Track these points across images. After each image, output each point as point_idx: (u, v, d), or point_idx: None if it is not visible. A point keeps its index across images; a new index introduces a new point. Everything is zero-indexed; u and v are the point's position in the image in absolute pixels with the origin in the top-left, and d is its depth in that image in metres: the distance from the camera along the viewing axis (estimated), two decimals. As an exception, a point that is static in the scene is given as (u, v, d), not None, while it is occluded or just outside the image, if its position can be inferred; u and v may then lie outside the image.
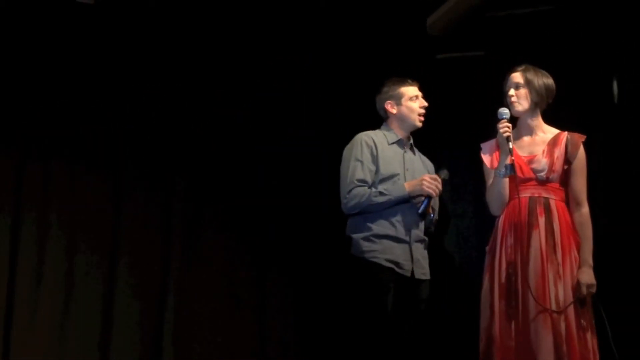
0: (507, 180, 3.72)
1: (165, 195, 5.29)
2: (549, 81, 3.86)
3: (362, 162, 4.03)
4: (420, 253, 4.02)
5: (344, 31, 5.16)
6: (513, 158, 3.64)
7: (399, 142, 4.15)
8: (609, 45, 4.95)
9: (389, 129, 4.19)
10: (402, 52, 5.25)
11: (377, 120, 4.84)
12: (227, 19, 5.03)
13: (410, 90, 4.17)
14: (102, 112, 5.18)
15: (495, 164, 3.78)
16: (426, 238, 4.10)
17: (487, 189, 3.82)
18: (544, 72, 3.87)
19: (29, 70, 5.03)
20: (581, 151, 3.78)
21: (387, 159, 4.06)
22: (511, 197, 3.75)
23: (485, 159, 3.87)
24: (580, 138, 3.80)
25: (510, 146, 3.65)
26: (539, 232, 3.64)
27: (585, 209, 3.75)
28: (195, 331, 5.20)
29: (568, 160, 3.75)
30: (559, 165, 3.73)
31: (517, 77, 3.83)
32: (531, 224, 3.65)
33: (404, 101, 4.14)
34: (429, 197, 3.96)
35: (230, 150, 5.28)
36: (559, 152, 3.75)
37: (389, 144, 4.12)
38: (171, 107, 5.25)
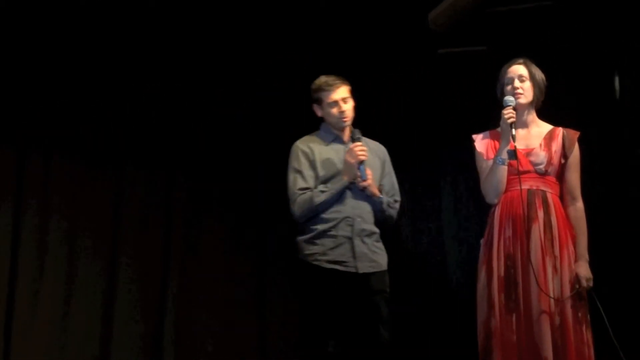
0: (506, 168, 3.72)
1: (165, 192, 5.34)
2: (544, 77, 3.88)
3: (300, 171, 4.03)
4: (367, 246, 3.98)
5: (345, 27, 5.17)
6: (515, 144, 3.65)
7: (337, 139, 4.10)
8: (610, 41, 4.96)
9: (326, 128, 4.15)
10: (404, 47, 5.25)
11: (378, 118, 4.87)
12: (227, 18, 5.04)
13: (330, 95, 4.07)
14: (103, 110, 5.23)
15: (491, 155, 3.78)
16: (376, 230, 4.05)
17: (485, 179, 3.78)
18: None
19: (30, 68, 5.08)
20: (577, 146, 3.80)
21: (326, 161, 4.03)
22: (506, 189, 3.77)
23: (480, 149, 3.86)
24: (575, 134, 3.82)
25: (514, 132, 3.65)
26: (539, 225, 3.64)
27: (580, 203, 3.77)
28: (196, 328, 5.26)
29: (565, 155, 3.77)
30: (556, 159, 3.75)
31: (520, 69, 3.81)
32: (530, 217, 3.63)
33: (324, 106, 4.08)
34: (361, 163, 3.95)
35: (230, 149, 5.31)
36: (557, 146, 3.77)
37: (328, 144, 4.09)
38: (171, 106, 5.30)
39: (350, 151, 3.95)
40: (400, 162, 4.91)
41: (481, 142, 3.87)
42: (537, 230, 3.64)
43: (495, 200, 3.75)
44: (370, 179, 3.96)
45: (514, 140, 3.65)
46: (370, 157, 4.07)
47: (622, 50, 4.95)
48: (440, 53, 5.27)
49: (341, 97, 4.06)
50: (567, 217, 3.73)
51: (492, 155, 3.78)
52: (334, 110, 4.06)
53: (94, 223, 5.19)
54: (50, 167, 5.15)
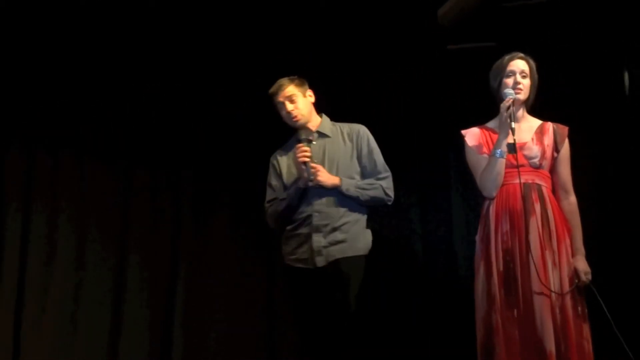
0: (504, 161, 3.69)
1: (172, 192, 5.41)
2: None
3: (270, 184, 4.15)
4: (326, 240, 3.95)
5: (355, 22, 5.17)
6: (515, 138, 3.64)
7: (302, 141, 4.07)
8: (620, 36, 4.92)
9: (295, 132, 4.16)
10: (413, 43, 5.25)
11: (382, 116, 4.86)
12: (227, 19, 5.08)
13: (276, 99, 4.12)
14: (108, 111, 5.31)
15: (484, 149, 3.78)
16: (344, 221, 3.99)
17: (483, 172, 3.73)
18: None
19: (38, 69, 5.17)
20: (567, 141, 3.80)
21: (291, 167, 4.09)
22: (502, 184, 3.75)
23: (472, 144, 3.84)
24: (564, 129, 3.82)
25: (513, 125, 3.63)
26: (536, 219, 3.64)
27: (574, 197, 3.77)
28: (204, 327, 5.31)
29: (557, 149, 3.77)
30: (549, 153, 3.76)
31: (523, 65, 3.79)
32: (528, 211, 3.62)
33: (278, 110, 4.13)
34: (305, 164, 3.95)
35: (231, 149, 5.36)
36: (549, 140, 3.77)
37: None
38: (175, 106, 5.38)
39: (295, 155, 3.99)
40: (407, 162, 4.97)
41: (472, 137, 3.86)
42: (535, 224, 3.63)
43: (494, 194, 3.73)
44: (320, 175, 3.94)
45: (513, 134, 3.65)
46: (338, 144, 4.10)
47: (632, 46, 4.90)
48: (450, 49, 5.25)
49: (285, 98, 4.09)
50: (562, 211, 3.72)
51: (484, 150, 3.78)
52: (283, 113, 4.11)
53: (102, 223, 5.27)
54: (58, 167, 5.24)
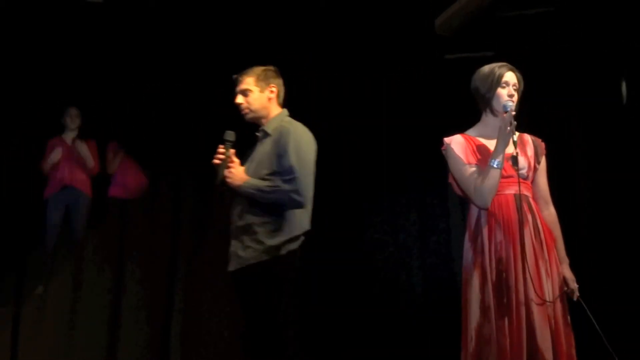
0: (501, 171, 3.66)
1: (172, 193, 5.40)
2: None
3: None
4: (240, 244, 3.83)
5: (353, 31, 5.22)
6: (517, 150, 3.64)
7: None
8: (617, 46, 4.95)
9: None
10: (411, 52, 5.28)
11: (380, 122, 4.89)
12: (227, 19, 5.11)
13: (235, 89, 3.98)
14: (109, 110, 5.32)
15: (471, 159, 3.74)
16: (251, 221, 3.82)
17: (481, 183, 3.65)
18: None
19: (38, 69, 5.19)
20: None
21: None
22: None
23: (460, 154, 3.79)
24: (540, 141, 3.85)
25: (515, 138, 3.63)
26: (529, 229, 3.65)
27: (553, 207, 3.80)
28: (204, 321, 5.32)
29: (537, 160, 3.79)
30: (532, 163, 3.77)
31: (515, 78, 3.76)
32: (521, 221, 3.63)
33: None
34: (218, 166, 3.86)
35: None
36: (530, 151, 3.79)
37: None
38: (175, 105, 5.37)
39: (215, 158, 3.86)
40: (404, 168, 4.98)
41: (458, 146, 3.80)
42: (529, 234, 3.64)
43: (489, 204, 3.70)
44: (228, 177, 3.86)
45: (515, 146, 3.65)
46: (265, 149, 3.95)
47: (630, 55, 4.95)
48: (448, 58, 5.30)
49: (239, 90, 3.98)
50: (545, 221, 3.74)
51: (471, 159, 3.74)
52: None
53: (101, 225, 5.26)
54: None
